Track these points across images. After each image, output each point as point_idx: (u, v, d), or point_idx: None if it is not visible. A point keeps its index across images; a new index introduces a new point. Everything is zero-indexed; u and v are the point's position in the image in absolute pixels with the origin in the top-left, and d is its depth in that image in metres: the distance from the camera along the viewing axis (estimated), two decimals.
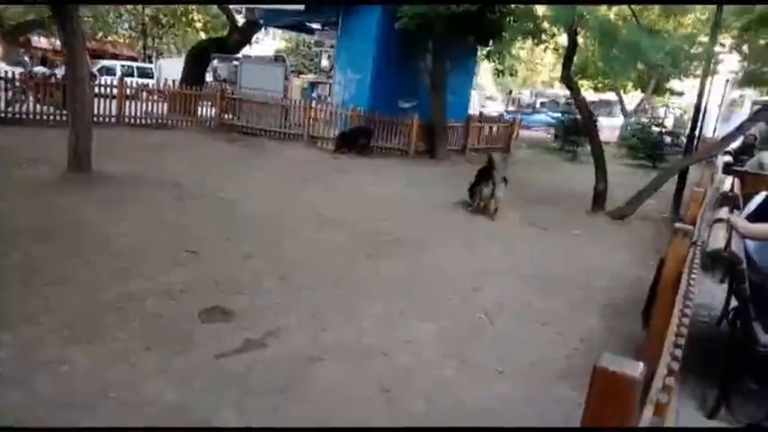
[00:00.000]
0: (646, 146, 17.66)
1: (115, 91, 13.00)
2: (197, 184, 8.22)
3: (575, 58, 11.45)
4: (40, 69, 14.22)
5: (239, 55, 18.77)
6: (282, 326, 4.13)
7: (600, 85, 24.98)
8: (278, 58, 20.48)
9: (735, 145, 11.11)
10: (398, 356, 3.88)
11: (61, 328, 3.74)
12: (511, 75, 18.61)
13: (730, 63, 19.44)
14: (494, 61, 15.09)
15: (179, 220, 6.41)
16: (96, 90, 11.85)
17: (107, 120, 12.61)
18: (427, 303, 4.86)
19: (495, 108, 30.25)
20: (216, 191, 7.93)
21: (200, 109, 14.53)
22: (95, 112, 10.65)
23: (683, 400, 3.43)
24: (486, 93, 41.38)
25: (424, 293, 5.11)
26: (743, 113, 19.08)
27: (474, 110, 18.74)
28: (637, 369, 1.23)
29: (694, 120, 10.34)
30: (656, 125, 18.38)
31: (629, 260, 6.91)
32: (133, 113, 13.26)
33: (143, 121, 13.38)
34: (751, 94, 22.13)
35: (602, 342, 4.37)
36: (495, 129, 16.90)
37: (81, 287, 4.42)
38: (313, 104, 14.41)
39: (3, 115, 11.59)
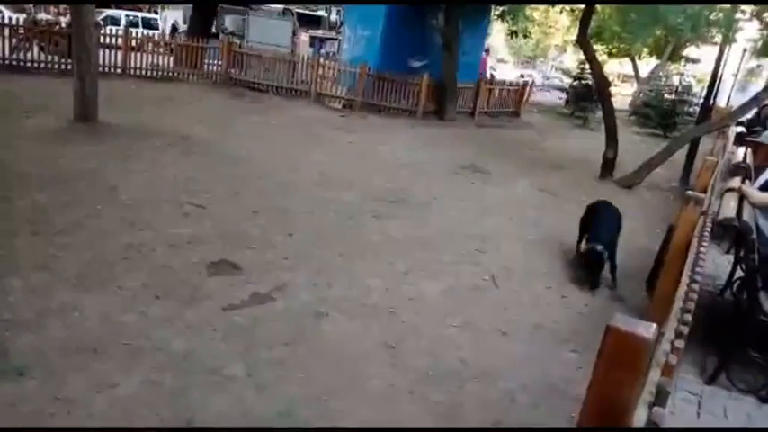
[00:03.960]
0: (657, 114, 17.38)
1: (120, 41, 12.78)
2: (203, 138, 8.17)
3: (590, 21, 11.16)
4: (43, 17, 13.96)
5: (247, 8, 18.36)
6: (289, 281, 4.17)
7: (614, 50, 24.42)
8: (286, 13, 20.04)
9: (749, 116, 10.92)
10: (403, 314, 3.93)
11: (71, 276, 3.78)
12: (525, 37, 18.19)
13: (749, 31, 18.92)
14: (507, 22, 14.73)
15: (186, 174, 6.40)
16: (101, 40, 11.63)
17: (112, 71, 12.45)
18: (432, 264, 4.89)
19: (506, 72, 29.61)
20: (222, 146, 7.89)
21: (206, 62, 14.32)
22: (100, 62, 10.49)
23: (683, 366, 3.48)
24: (498, 55, 40.57)
25: (430, 254, 5.13)
26: (759, 84, 18.70)
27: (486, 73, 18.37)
28: (650, 330, 1.23)
29: (709, 89, 10.15)
30: (671, 93, 18.01)
31: (636, 228, 6.88)
32: (138, 65, 13.07)
33: (148, 73, 13.20)
34: None
35: (605, 307, 4.40)
36: (505, 92, 16.63)
37: (89, 237, 4.44)
38: (321, 61, 14.17)
39: (7, 62, 11.44)
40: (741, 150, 6.83)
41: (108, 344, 3.11)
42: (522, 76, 23.92)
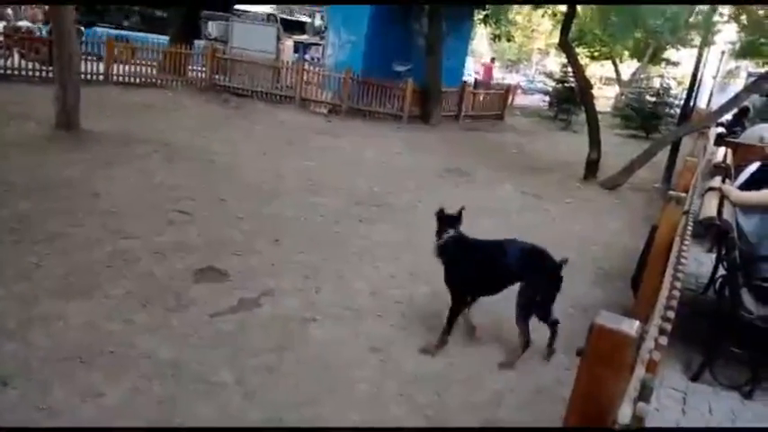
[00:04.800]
0: (639, 116, 17.61)
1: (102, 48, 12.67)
2: (188, 144, 8.12)
3: (572, 25, 11.30)
4: (24, 24, 13.79)
5: (230, 14, 18.30)
6: (276, 287, 4.15)
7: (596, 53, 24.73)
8: (270, 18, 20.01)
9: (728, 117, 11.10)
10: (390, 317, 3.93)
11: (54, 285, 3.74)
12: (507, 40, 18.35)
13: (728, 33, 19.29)
14: (490, 26, 14.85)
15: (170, 181, 6.35)
16: (83, 48, 11.51)
17: (94, 78, 12.33)
18: (419, 267, 4.89)
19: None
20: (207, 152, 7.84)
21: (190, 69, 14.24)
22: (82, 69, 10.39)
23: (668, 363, 3.52)
24: (483, 59, 40.82)
25: (416, 257, 5.13)
26: (738, 85, 19.04)
27: (469, 76, 18.53)
28: (633, 327, 1.25)
29: (689, 90, 10.31)
30: (652, 95, 18.26)
31: (620, 229, 6.98)
32: (121, 72, 12.96)
33: (131, 79, 13.09)
34: (747, 66, 22.05)
35: (592, 308, 4.44)
36: (489, 96, 16.75)
37: (72, 245, 4.39)
38: (305, 66, 14.16)
39: None
40: (721, 151, 6.94)
41: (93, 352, 3.07)
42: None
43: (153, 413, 2.69)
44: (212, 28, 18.42)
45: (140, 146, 7.65)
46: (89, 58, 12.16)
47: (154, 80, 13.36)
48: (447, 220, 3.82)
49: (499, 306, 3.89)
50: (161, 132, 8.53)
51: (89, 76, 12.01)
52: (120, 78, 12.86)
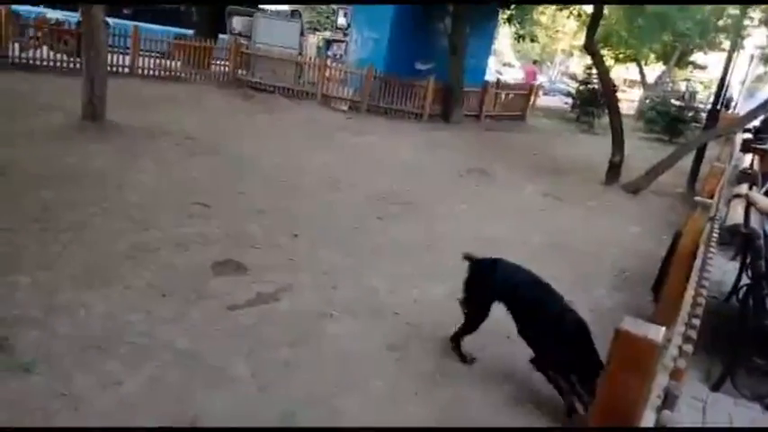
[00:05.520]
0: (664, 120, 17.33)
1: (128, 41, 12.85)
2: (210, 138, 8.19)
3: (598, 26, 11.15)
4: (54, 15, 14.04)
5: (255, 9, 18.41)
6: (294, 282, 4.17)
7: (621, 56, 24.38)
8: (294, 14, 20.09)
9: (756, 122, 10.87)
10: (408, 316, 3.93)
11: (77, 274, 3.80)
12: (531, 41, 18.19)
13: (758, 38, 18.86)
14: (514, 26, 14.73)
15: (192, 174, 6.42)
16: (110, 41, 11.67)
17: (120, 70, 12.50)
18: (437, 266, 4.88)
19: (512, 76, 29.56)
20: (229, 146, 7.90)
21: (214, 63, 14.37)
22: (108, 62, 10.54)
23: (689, 372, 3.45)
24: (504, 59, 40.56)
25: (434, 256, 5.12)
26: (767, 90, 18.64)
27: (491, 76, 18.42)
28: (659, 333, 1.23)
29: (716, 95, 10.12)
30: (677, 98, 17.95)
31: (642, 233, 6.88)
32: (146, 65, 13.12)
33: (156, 73, 13.25)
34: None
35: (610, 313, 4.39)
36: (511, 96, 16.62)
37: (95, 235, 4.46)
38: (328, 63, 14.19)
39: (17, 60, 11.50)
40: (748, 157, 6.81)
41: (113, 342, 3.12)
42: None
43: (169, 403, 2.72)
44: (237, 23, 18.55)
45: (163, 138, 7.74)
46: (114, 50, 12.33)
47: (178, 73, 13.50)
48: None
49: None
50: (184, 125, 8.62)
51: (115, 69, 12.18)
52: (146, 72, 13.03)
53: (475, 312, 3.38)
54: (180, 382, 2.88)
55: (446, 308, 4.10)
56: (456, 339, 3.48)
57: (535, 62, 25.54)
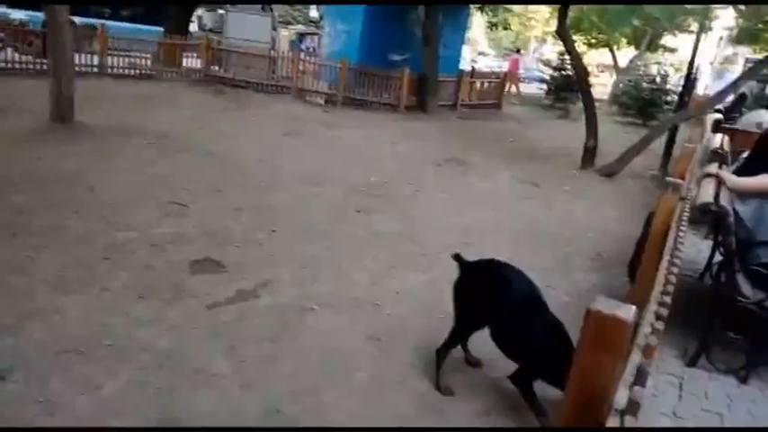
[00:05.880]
0: (637, 103, 17.57)
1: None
2: (184, 136, 8.08)
3: (569, 12, 11.23)
4: (17, 16, 13.69)
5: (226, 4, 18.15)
6: (274, 277, 4.15)
7: (593, 41, 24.60)
8: (265, 8, 19.87)
9: (726, 103, 11.08)
10: (389, 307, 3.94)
11: (51, 279, 3.73)
12: (504, 28, 18.26)
13: (726, 19, 19.20)
14: (487, 14, 14.76)
15: (166, 173, 6.33)
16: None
17: (89, 70, 12.25)
18: (417, 256, 4.90)
19: (487, 64, 29.64)
20: (203, 144, 7.81)
21: (185, 60, 14.16)
22: (76, 62, 10.32)
23: (664, 348, 3.54)
24: (479, 48, 40.70)
25: (414, 247, 5.14)
26: (735, 71, 19.00)
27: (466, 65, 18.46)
28: (629, 312, 1.25)
29: (686, 77, 10.28)
30: (649, 82, 18.21)
31: (617, 215, 6.99)
32: (115, 64, 12.88)
33: (126, 71, 13.02)
34: (744, 52, 21.98)
35: (587, 295, 4.45)
36: (486, 84, 16.68)
37: (68, 239, 4.38)
38: (301, 56, 14.09)
39: None
40: (718, 137, 6.93)
41: (91, 345, 3.07)
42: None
43: (150, 405, 2.69)
44: (206, 18, 18.30)
45: (136, 138, 7.61)
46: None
47: (149, 72, 13.28)
48: None
49: None
50: (157, 124, 8.49)
51: (83, 69, 11.93)
52: (115, 71, 12.79)
53: (465, 320, 3.06)
54: (161, 383, 2.85)
55: (427, 298, 4.14)
56: (442, 352, 3.07)
57: (518, 51, 25.61)
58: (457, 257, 3.11)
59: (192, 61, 14.35)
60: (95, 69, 12.39)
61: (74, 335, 3.15)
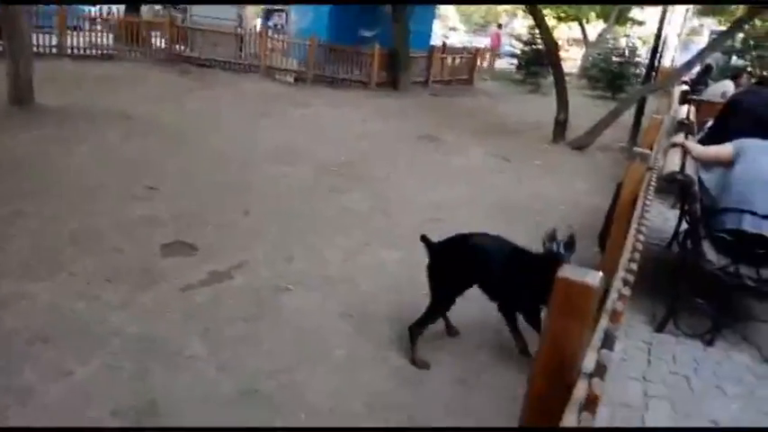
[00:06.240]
0: (606, 76, 17.74)
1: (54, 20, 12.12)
2: (150, 118, 7.89)
3: None
4: None
5: None
6: (248, 258, 4.12)
7: (563, 15, 24.66)
8: None
9: (692, 75, 11.26)
10: (363, 283, 3.94)
11: (16, 266, 3.64)
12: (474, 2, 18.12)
13: None
14: None
15: (133, 155, 6.19)
16: (33, 20, 10.96)
17: (48, 51, 11.83)
18: (390, 233, 4.91)
19: (458, 40, 29.48)
20: (170, 125, 7.64)
21: (150, 39, 13.75)
22: (34, 42, 9.94)
23: (634, 315, 3.63)
24: (450, 23, 40.42)
25: (388, 224, 5.14)
26: (701, 43, 19.29)
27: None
28: (596, 278, 1.27)
29: (653, 49, 10.40)
30: (618, 55, 18.38)
31: (588, 188, 7.09)
32: (76, 44, 12.45)
33: (87, 51, 12.60)
34: (709, 23, 22.31)
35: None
36: (458, 60, 16.62)
37: (34, 224, 4.27)
38: (270, 34, 13.81)
39: None
40: (684, 108, 7.05)
41: (61, 332, 3.01)
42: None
43: (124, 389, 2.66)
44: None
45: (100, 120, 7.41)
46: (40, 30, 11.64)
47: (111, 52, 12.88)
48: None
49: None
50: (121, 105, 8.27)
51: (42, 49, 11.52)
52: (76, 51, 12.37)
53: (439, 301, 3.09)
54: (134, 367, 2.82)
55: (400, 273, 4.15)
56: (415, 330, 3.08)
57: (499, 26, 25.59)
58: (423, 239, 3.16)
59: (155, 40, 13.95)
60: (54, 50, 11.96)
61: (43, 322, 3.09)
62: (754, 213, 3.29)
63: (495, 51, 21.79)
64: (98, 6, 14.39)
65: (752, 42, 16.60)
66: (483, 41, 26.05)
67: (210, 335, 3.16)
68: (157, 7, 16.05)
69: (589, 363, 1.22)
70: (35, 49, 9.80)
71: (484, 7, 35.81)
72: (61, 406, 2.52)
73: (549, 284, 1.28)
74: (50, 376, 2.68)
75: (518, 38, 20.15)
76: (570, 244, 2.97)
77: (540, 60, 16.85)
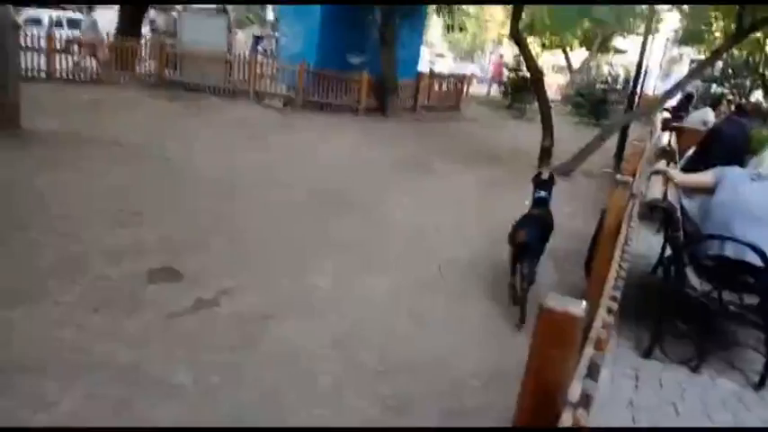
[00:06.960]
0: (589, 103, 18.08)
1: (43, 43, 12.14)
2: (138, 143, 7.89)
3: (523, 14, 11.47)
4: None
5: (179, 6, 17.79)
6: (235, 285, 4.10)
7: (547, 43, 25.22)
8: (219, 10, 19.56)
9: (674, 102, 11.53)
10: (351, 311, 3.94)
11: (0, 293, 3.58)
12: (460, 30, 18.48)
13: (671, 21, 19.97)
14: (443, 16, 14.92)
15: (120, 181, 6.17)
16: (22, 42, 10.97)
17: (36, 74, 11.83)
18: (379, 260, 4.92)
19: (445, 67, 29.94)
20: (159, 151, 7.64)
21: (138, 64, 13.81)
22: (22, 66, 9.96)
23: (620, 341, 3.66)
24: (437, 50, 41.01)
25: (376, 250, 5.15)
26: (682, 71, 19.76)
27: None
28: (580, 307, 1.29)
29: (635, 77, 10.66)
30: (601, 83, 18.78)
31: (573, 213, 7.15)
32: (64, 68, 12.47)
33: (76, 76, 12.62)
34: (689, 52, 22.89)
35: (546, 290, 4.54)
36: (445, 86, 16.85)
37: (18, 251, 4.23)
38: (259, 59, 13.93)
39: None
40: (666, 135, 7.21)
41: (45, 361, 2.97)
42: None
43: (109, 419, 2.61)
44: (159, 21, 17.89)
45: (88, 145, 7.39)
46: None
47: (100, 76, 12.91)
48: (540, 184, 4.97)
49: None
50: (109, 131, 8.26)
51: (30, 73, 11.52)
52: (65, 75, 12.38)
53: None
54: (120, 396, 2.78)
55: (389, 300, 4.16)
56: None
57: (501, 56, 26.19)
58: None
59: (145, 65, 14.01)
60: (43, 74, 11.97)
61: (26, 351, 3.04)
62: (736, 240, 3.35)
63: (497, 80, 22.27)
64: (84, 27, 14.48)
65: (731, 71, 17.07)
66: (470, 68, 26.50)
67: (197, 363, 3.12)
68: (145, 30, 16.11)
69: (574, 392, 1.23)
70: (24, 72, 9.82)
71: (470, 35, 36.45)
72: None
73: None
74: (33, 407, 2.63)
75: (505, 65, 20.52)
76: (547, 182, 4.99)
77: (525, 87, 17.15)
